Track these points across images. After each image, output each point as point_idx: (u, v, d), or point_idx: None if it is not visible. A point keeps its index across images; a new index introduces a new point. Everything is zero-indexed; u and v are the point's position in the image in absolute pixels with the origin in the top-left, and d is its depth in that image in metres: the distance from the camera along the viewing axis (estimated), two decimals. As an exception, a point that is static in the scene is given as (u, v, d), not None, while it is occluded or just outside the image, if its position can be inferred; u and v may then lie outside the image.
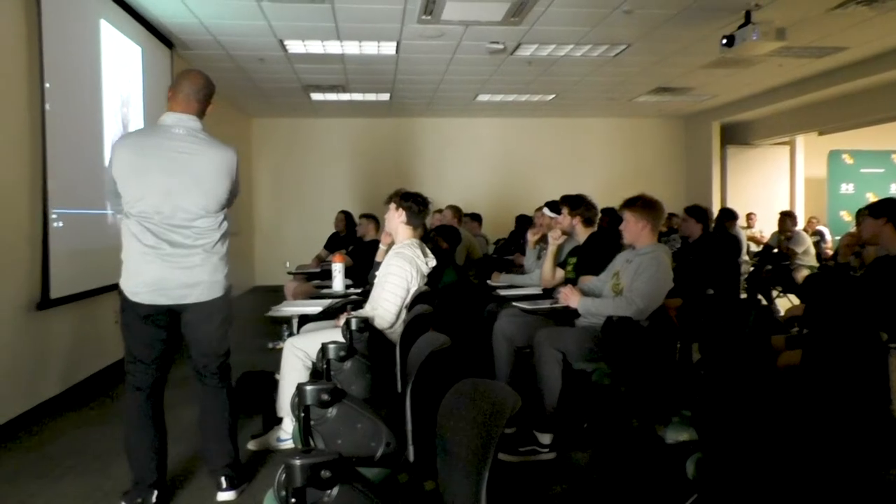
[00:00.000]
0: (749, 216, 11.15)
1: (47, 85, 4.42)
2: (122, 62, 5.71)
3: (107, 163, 5.29)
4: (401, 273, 3.49)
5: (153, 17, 6.21)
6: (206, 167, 2.85)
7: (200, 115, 2.93)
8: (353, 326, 2.90)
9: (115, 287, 5.36)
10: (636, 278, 3.56)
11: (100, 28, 5.28)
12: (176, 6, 5.89)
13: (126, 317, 2.89)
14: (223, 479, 3.00)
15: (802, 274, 7.71)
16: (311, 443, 1.97)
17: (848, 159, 11.32)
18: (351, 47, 7.31)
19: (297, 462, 1.17)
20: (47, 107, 4.42)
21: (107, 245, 5.28)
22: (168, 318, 2.90)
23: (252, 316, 7.76)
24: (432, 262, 3.69)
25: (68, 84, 4.77)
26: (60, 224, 4.56)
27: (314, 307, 4.17)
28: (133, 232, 2.80)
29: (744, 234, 8.46)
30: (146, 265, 2.80)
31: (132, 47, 5.94)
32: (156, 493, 2.87)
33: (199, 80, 2.94)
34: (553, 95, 10.25)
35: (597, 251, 4.24)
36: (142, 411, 2.90)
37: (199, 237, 2.85)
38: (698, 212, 6.15)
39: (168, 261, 2.81)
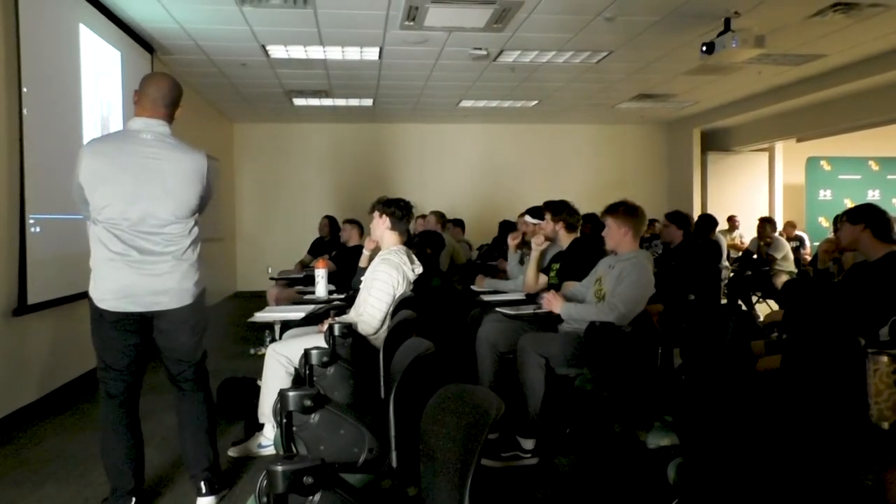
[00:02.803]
0: (730, 219, 11.22)
1: (25, 89, 4.37)
2: (101, 67, 5.66)
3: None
4: (387, 279, 3.49)
5: (133, 22, 6.17)
6: (175, 173, 2.80)
7: (169, 119, 2.87)
8: (336, 332, 2.88)
9: (94, 293, 5.30)
10: (618, 284, 3.58)
11: (79, 32, 5.23)
12: (156, 10, 5.85)
13: (96, 324, 2.85)
14: (203, 484, 2.97)
15: (782, 279, 7.79)
16: (294, 449, 1.96)
17: (826, 166, 11.46)
18: (334, 53, 7.30)
19: (279, 468, 1.17)
20: (25, 112, 4.37)
21: (85, 251, 5.21)
22: (139, 325, 2.85)
23: (234, 322, 7.71)
24: (419, 269, 3.71)
25: (47, 89, 4.72)
26: (38, 230, 4.51)
27: (297, 313, 4.16)
28: (101, 238, 2.76)
29: (724, 240, 8.53)
30: (114, 272, 2.76)
31: (111, 52, 5.89)
32: (134, 499, 2.84)
33: (164, 85, 2.87)
34: (536, 102, 10.30)
35: (579, 257, 4.26)
36: (116, 418, 2.86)
37: (168, 244, 2.81)
38: (680, 218, 6.20)
39: (136, 268, 2.76)
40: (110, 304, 2.78)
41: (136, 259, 2.76)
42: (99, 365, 2.89)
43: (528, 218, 5.14)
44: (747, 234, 10.57)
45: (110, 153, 2.79)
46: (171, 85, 2.89)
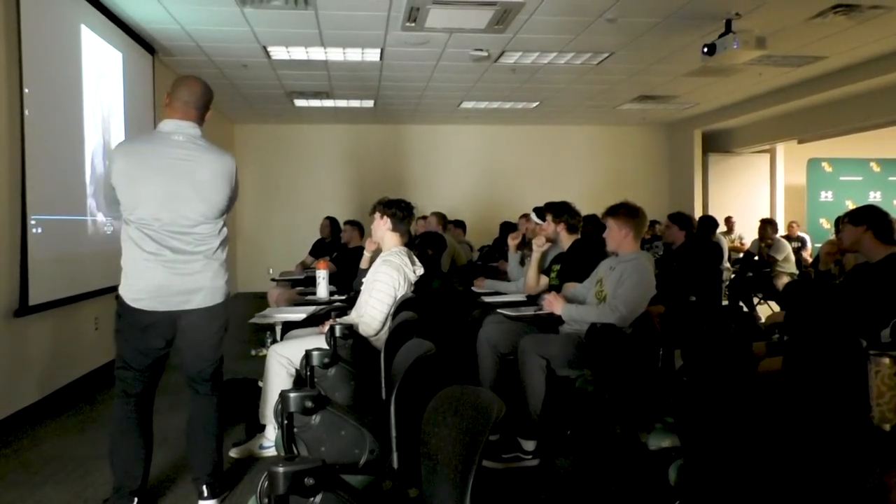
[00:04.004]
0: (727, 220, 11.22)
1: (26, 90, 4.37)
2: (102, 68, 5.66)
3: (88, 169, 5.29)
4: (388, 280, 3.49)
5: (134, 23, 6.17)
6: (206, 174, 2.84)
7: (199, 121, 2.91)
8: (338, 333, 2.88)
9: (95, 294, 5.33)
10: (619, 285, 3.58)
11: (80, 33, 5.24)
12: (157, 12, 5.86)
13: (122, 323, 2.86)
14: (205, 487, 2.97)
15: (783, 281, 7.78)
16: (295, 450, 1.96)
17: (827, 167, 11.45)
18: (335, 54, 7.31)
19: (280, 469, 1.16)
20: (26, 112, 4.37)
21: (87, 252, 5.24)
22: (166, 326, 2.87)
23: (235, 322, 7.66)
24: (420, 270, 3.70)
25: (48, 89, 4.72)
26: (40, 230, 4.51)
27: (298, 314, 4.16)
28: (133, 238, 2.78)
29: (725, 242, 8.54)
30: (148, 272, 2.78)
31: (113, 53, 5.89)
32: (136, 500, 2.85)
33: (196, 88, 2.91)
34: (537, 103, 10.30)
35: (580, 258, 4.26)
36: (129, 418, 2.88)
37: (199, 243, 2.85)
38: (682, 219, 6.19)
39: (170, 267, 2.79)
40: (145, 303, 2.80)
41: (170, 259, 2.79)
42: (118, 363, 2.90)
43: (532, 216, 5.13)
44: (747, 235, 10.57)
45: (142, 154, 2.83)
46: (202, 88, 2.93)
